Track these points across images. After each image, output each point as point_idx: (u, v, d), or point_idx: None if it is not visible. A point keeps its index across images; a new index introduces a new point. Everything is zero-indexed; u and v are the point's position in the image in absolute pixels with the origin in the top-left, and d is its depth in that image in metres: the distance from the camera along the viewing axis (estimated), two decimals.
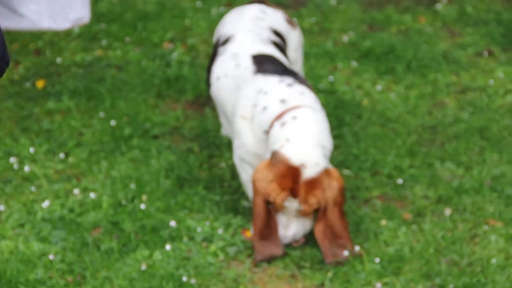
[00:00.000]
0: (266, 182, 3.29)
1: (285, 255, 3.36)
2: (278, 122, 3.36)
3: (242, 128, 3.53)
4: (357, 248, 3.38)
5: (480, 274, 3.27)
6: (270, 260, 3.34)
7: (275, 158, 3.29)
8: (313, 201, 3.29)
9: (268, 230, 3.36)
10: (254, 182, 3.32)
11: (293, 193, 3.29)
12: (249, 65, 3.59)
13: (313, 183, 3.28)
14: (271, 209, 3.35)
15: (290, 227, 3.38)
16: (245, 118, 3.51)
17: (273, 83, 3.47)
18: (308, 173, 3.27)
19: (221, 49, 3.76)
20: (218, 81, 3.67)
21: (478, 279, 3.23)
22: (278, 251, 3.36)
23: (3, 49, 2.99)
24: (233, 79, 3.61)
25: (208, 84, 3.78)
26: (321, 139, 3.35)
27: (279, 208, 3.34)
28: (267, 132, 3.41)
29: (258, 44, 3.69)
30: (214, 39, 3.99)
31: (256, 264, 3.35)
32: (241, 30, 3.80)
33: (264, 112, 3.42)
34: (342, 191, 3.33)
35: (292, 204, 3.32)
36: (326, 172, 3.30)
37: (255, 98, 3.47)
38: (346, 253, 3.33)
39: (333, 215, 3.32)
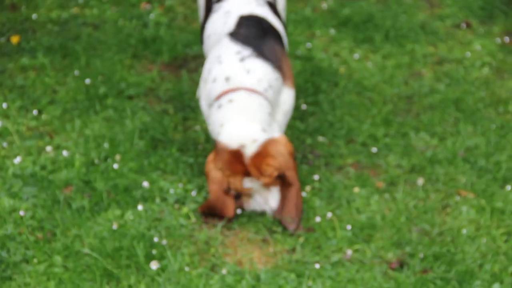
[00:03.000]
0: (218, 172, 3.32)
1: (233, 216, 3.38)
2: (217, 103, 3.37)
3: (201, 90, 3.53)
4: (329, 214, 3.40)
5: (450, 244, 3.29)
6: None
7: (218, 147, 3.31)
8: (268, 172, 3.30)
9: (215, 215, 3.38)
10: (208, 174, 3.34)
11: (246, 174, 3.31)
12: (231, 26, 3.55)
13: (260, 156, 3.29)
14: (239, 196, 3.38)
15: (269, 200, 3.40)
16: (204, 81, 3.51)
17: (230, 53, 3.44)
18: (250, 150, 3.28)
19: (215, 6, 3.71)
20: (208, 38, 3.66)
21: (448, 249, 3.25)
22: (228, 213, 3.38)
23: None
24: (217, 37, 3.59)
25: (201, 40, 3.76)
26: (255, 118, 3.34)
27: (244, 192, 3.36)
28: (210, 105, 3.43)
29: (253, 5, 3.64)
30: None
31: (228, 227, 3.36)
32: None
33: (213, 84, 3.42)
34: (292, 154, 3.35)
35: (252, 183, 3.33)
36: (271, 141, 3.31)
37: (213, 63, 3.47)
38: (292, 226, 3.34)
39: (291, 179, 3.32)
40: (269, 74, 3.43)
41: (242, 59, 3.42)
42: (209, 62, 3.51)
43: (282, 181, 3.36)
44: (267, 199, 3.39)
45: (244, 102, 3.35)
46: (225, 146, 3.29)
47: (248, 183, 3.34)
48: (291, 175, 3.32)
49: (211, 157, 3.36)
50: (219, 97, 3.38)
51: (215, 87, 3.40)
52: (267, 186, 3.35)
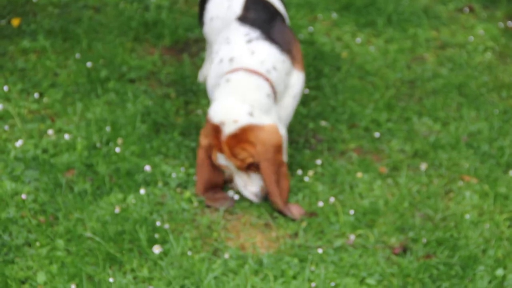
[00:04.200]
0: (204, 138, 3.36)
1: (233, 204, 3.39)
2: (222, 81, 3.39)
3: (210, 70, 3.52)
4: (332, 199, 3.41)
5: (453, 229, 3.29)
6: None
7: (206, 118, 3.36)
8: (240, 155, 3.31)
9: (210, 185, 3.40)
10: (200, 138, 3.40)
11: (220, 149, 3.33)
12: (237, 9, 3.55)
13: (236, 139, 3.29)
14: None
15: (248, 185, 3.40)
16: (212, 63, 3.51)
17: (238, 35, 3.45)
18: (228, 129, 3.29)
19: None
20: (211, 21, 3.65)
21: (451, 234, 3.26)
22: (229, 203, 3.39)
23: None
24: (222, 21, 3.58)
25: (200, 22, 3.76)
26: (247, 99, 3.34)
27: (221, 167, 3.39)
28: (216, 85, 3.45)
29: None
30: None
31: (230, 211, 3.36)
32: None
33: (219, 64, 3.42)
34: (276, 147, 3.32)
35: (226, 162, 3.34)
36: (254, 127, 3.30)
37: (221, 44, 3.47)
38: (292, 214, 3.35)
39: (264, 170, 3.31)
40: (275, 55, 3.42)
41: (249, 41, 3.42)
42: (217, 43, 3.51)
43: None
44: (246, 184, 3.40)
45: (240, 83, 3.36)
46: (209, 119, 3.33)
47: (222, 160, 3.35)
48: (266, 166, 3.30)
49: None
50: (221, 77, 3.40)
51: (221, 68, 3.42)
52: (240, 169, 3.36)
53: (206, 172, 3.40)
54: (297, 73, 3.51)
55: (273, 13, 3.55)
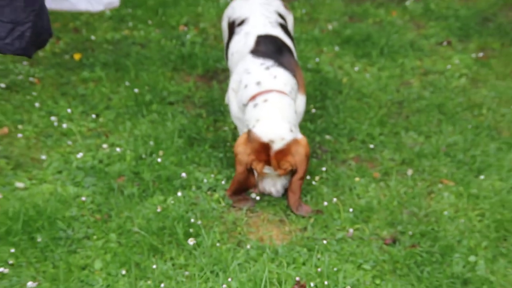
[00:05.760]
0: (246, 155, 3.27)
1: (254, 204, 3.39)
2: (252, 102, 3.32)
3: (231, 98, 3.51)
4: (334, 199, 3.40)
5: (434, 223, 3.28)
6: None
7: (250, 135, 3.26)
8: (284, 166, 3.28)
9: (241, 190, 3.37)
10: (236, 154, 3.30)
11: (268, 163, 3.28)
12: (250, 44, 3.54)
13: (282, 153, 3.25)
14: (255, 174, 3.37)
15: (276, 184, 3.39)
16: (233, 90, 3.49)
17: (256, 65, 3.42)
18: (276, 146, 3.23)
19: (237, 29, 3.70)
20: (232, 56, 3.63)
21: (432, 228, 3.25)
22: (250, 204, 3.38)
23: (48, 23, 2.97)
24: (240, 55, 3.57)
25: (226, 57, 3.75)
26: (286, 117, 3.28)
27: (262, 174, 3.35)
28: (244, 106, 3.40)
29: (268, 26, 3.63)
30: (227, 20, 3.90)
31: (251, 210, 3.36)
32: (254, 14, 3.73)
33: (245, 89, 3.38)
34: (308, 156, 3.29)
35: (269, 170, 3.32)
36: (294, 141, 3.26)
37: (241, 75, 3.44)
38: (303, 211, 3.34)
39: (300, 175, 3.30)
40: (291, 79, 3.40)
41: (267, 68, 3.40)
42: (237, 74, 3.48)
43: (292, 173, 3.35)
44: (275, 183, 3.39)
45: (276, 102, 3.30)
46: (258, 138, 3.23)
47: (267, 170, 3.32)
48: (301, 171, 3.29)
49: (241, 140, 3.30)
50: (253, 97, 3.33)
51: (248, 91, 3.36)
52: (281, 175, 3.35)
53: (243, 181, 3.35)
54: (300, 96, 3.50)
55: (281, 45, 3.54)
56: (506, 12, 5.61)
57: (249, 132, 3.28)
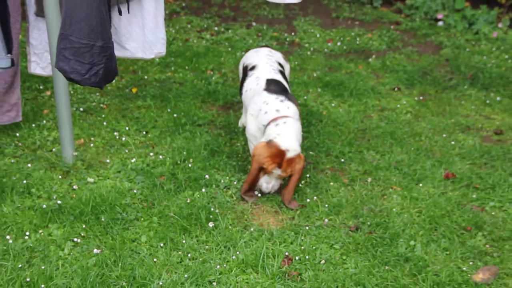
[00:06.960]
0: (263, 156, 3.25)
1: (257, 199, 3.35)
2: (273, 123, 3.32)
3: (250, 120, 3.51)
4: (314, 198, 3.38)
5: (386, 217, 3.26)
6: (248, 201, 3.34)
7: (270, 143, 3.25)
8: (288, 170, 3.27)
9: (252, 187, 3.34)
10: (254, 155, 3.28)
11: (279, 166, 3.27)
12: (262, 84, 3.54)
13: (291, 160, 3.25)
14: (262, 172, 3.33)
15: (270, 184, 3.37)
16: (252, 115, 3.49)
17: (272, 98, 3.43)
18: (289, 155, 3.24)
19: (249, 72, 3.71)
20: (246, 92, 3.63)
21: (384, 220, 3.22)
22: (254, 199, 3.35)
23: (115, 65, 2.97)
24: (253, 91, 3.58)
25: (240, 93, 3.75)
26: (297, 136, 3.30)
27: (268, 173, 3.32)
28: (264, 126, 3.39)
29: (272, 72, 3.64)
30: (242, 65, 3.90)
31: (255, 203, 3.35)
32: (261, 62, 3.74)
33: (265, 114, 3.38)
34: (303, 167, 3.31)
35: (277, 171, 3.30)
36: (298, 155, 3.27)
37: (261, 105, 3.44)
38: (293, 205, 3.30)
39: (296, 178, 3.29)
40: (297, 110, 3.42)
41: (282, 101, 3.40)
42: (256, 104, 3.44)
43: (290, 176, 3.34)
44: (270, 182, 3.35)
45: (292, 124, 3.30)
46: (278, 145, 3.22)
47: (275, 170, 3.29)
48: (297, 176, 3.29)
49: (260, 145, 3.26)
50: (275, 119, 3.31)
51: (269, 115, 3.34)
52: (281, 177, 3.32)
53: (255, 180, 3.31)
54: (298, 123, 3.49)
55: (283, 87, 3.55)
56: (439, 68, 5.61)
57: (269, 141, 3.26)
